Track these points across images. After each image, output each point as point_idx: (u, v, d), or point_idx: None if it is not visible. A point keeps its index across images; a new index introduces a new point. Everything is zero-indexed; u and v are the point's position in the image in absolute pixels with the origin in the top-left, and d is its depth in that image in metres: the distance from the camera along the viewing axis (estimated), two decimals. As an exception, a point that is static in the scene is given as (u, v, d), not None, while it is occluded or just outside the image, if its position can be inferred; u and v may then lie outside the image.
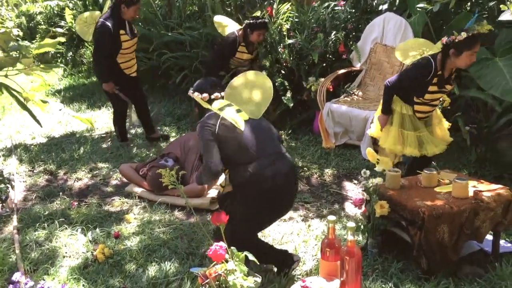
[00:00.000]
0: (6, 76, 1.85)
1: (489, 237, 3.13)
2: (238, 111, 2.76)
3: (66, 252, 3.30)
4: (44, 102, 1.69)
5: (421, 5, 4.77)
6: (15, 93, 1.85)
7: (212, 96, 2.85)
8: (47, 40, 1.74)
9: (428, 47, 3.94)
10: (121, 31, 4.72)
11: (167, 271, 3.04)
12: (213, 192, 4.13)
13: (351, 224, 2.07)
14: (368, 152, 3.39)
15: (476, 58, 4.50)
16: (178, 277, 2.97)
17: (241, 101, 2.86)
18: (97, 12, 5.17)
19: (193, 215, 3.86)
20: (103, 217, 3.77)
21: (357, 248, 2.08)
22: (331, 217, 2.07)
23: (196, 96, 2.85)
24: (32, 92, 1.67)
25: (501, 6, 2.08)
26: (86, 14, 5.20)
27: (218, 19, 5.57)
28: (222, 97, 2.87)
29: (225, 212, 2.38)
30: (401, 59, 4.04)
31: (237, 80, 2.95)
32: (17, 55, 1.74)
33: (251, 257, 2.25)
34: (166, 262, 3.13)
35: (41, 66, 1.75)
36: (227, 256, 2.16)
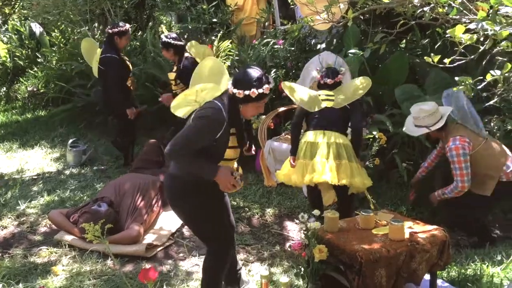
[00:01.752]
0: None
1: (427, 276, 3.14)
2: None
3: (-17, 313, 3.01)
4: None
5: (352, 50, 4.91)
6: None
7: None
8: None
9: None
10: (125, 57, 5.35)
11: (95, 330, 2.82)
12: (149, 238, 3.96)
13: (285, 279, 2.00)
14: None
15: (409, 95, 4.71)
16: (107, 336, 2.77)
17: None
18: (97, 44, 5.55)
19: (128, 263, 3.67)
20: (28, 270, 3.48)
21: (290, 304, 2.00)
22: (264, 272, 1.98)
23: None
24: None
25: (425, 58, 2.14)
26: (90, 40, 5.68)
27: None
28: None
29: None
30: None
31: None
32: None
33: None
34: (95, 319, 2.91)
35: None
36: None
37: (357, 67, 5.08)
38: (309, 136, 3.92)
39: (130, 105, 5.32)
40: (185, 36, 6.80)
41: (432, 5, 2.35)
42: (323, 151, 3.78)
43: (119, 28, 5.19)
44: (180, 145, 2.58)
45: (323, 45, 5.73)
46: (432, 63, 2.07)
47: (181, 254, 3.84)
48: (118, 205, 4.05)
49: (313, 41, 5.91)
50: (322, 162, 3.75)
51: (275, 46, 5.77)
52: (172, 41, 4.99)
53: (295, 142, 4.01)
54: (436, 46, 4.18)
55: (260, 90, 2.60)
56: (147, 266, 3.64)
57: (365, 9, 2.75)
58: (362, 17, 5.84)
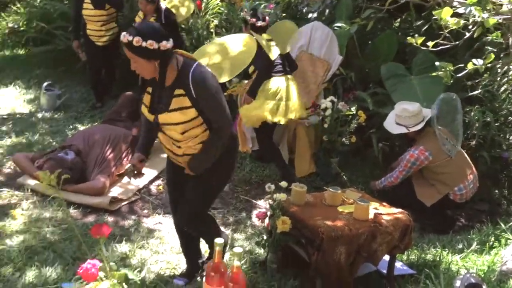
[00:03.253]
0: None
1: (387, 257, 3.15)
2: None
3: None
4: None
5: (339, 24, 4.79)
6: None
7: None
8: None
9: None
10: (86, 1, 5.31)
11: (46, 278, 2.78)
12: (115, 191, 3.89)
13: (238, 249, 1.96)
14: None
15: (394, 73, 4.67)
16: (58, 285, 2.72)
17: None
18: None
19: (90, 214, 3.61)
20: (-15, 210, 3.41)
21: (242, 275, 1.96)
22: (219, 240, 1.93)
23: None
24: None
25: (408, 38, 2.04)
26: None
27: None
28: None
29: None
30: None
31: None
32: None
33: (131, 275, 2.06)
34: (48, 267, 2.86)
35: None
36: (102, 274, 1.97)
37: (345, 41, 4.97)
38: (279, 82, 4.30)
39: (74, 38, 5.67)
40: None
41: (425, -16, 2.25)
42: (295, 92, 4.31)
43: None
44: None
45: (315, 15, 5.58)
46: (415, 44, 2.00)
47: (145, 211, 3.80)
48: (86, 155, 3.96)
49: (305, 9, 5.75)
50: (299, 101, 4.31)
51: (266, 10, 5.59)
52: None
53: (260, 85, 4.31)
54: (424, 29, 4.09)
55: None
56: (110, 219, 3.59)
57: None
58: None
